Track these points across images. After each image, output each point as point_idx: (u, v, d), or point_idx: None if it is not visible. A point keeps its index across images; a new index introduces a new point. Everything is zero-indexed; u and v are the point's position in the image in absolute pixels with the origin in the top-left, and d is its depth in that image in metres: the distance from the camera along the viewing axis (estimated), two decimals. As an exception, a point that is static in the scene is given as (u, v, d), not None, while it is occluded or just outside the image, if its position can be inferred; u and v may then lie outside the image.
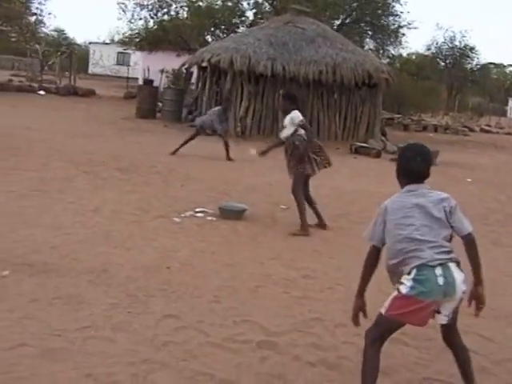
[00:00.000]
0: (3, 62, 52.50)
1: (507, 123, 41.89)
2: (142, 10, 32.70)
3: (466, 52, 46.34)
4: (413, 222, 3.61)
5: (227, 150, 14.03)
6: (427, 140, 23.91)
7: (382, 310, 3.61)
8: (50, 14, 39.42)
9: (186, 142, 14.09)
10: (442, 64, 47.48)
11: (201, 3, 32.61)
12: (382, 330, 3.68)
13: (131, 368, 3.96)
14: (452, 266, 3.56)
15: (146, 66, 35.25)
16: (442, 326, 3.85)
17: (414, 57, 44.72)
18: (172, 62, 31.24)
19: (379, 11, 31.74)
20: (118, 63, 56.03)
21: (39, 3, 34.19)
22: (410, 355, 4.58)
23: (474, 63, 47.99)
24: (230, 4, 32.68)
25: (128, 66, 47.56)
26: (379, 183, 12.70)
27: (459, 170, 16.08)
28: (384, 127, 23.13)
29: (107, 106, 26.69)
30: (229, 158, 13.92)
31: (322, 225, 8.41)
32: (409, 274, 3.52)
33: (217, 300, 5.33)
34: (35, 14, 34.74)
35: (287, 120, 8.41)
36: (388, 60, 32.67)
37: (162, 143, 15.72)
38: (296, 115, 8.28)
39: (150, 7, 32.54)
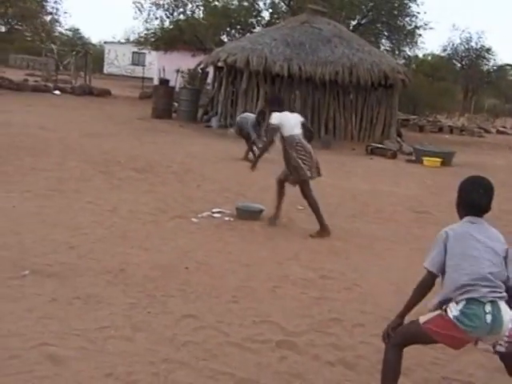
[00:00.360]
0: (18, 61, 52.83)
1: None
2: (157, 9, 32.83)
3: (482, 53, 46.03)
4: (475, 254, 3.53)
5: (248, 152, 13.83)
6: (443, 141, 23.85)
7: (421, 320, 3.57)
8: (65, 13, 39.62)
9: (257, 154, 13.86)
10: (458, 65, 47.25)
11: (217, 3, 32.69)
12: (410, 336, 3.67)
13: (151, 367, 3.98)
14: (502, 304, 3.47)
15: (161, 65, 35.34)
16: (498, 353, 3.71)
17: (429, 58, 44.51)
18: (187, 61, 31.30)
19: (395, 12, 31.63)
20: (133, 63, 56.19)
21: (55, 2, 34.43)
22: (427, 355, 4.57)
23: (491, 64, 47.70)
24: (246, 4, 32.71)
25: (143, 65, 47.70)
26: (395, 184, 12.68)
27: (475, 171, 15.82)
28: (400, 128, 23.06)
29: (122, 105, 26.78)
30: (246, 158, 13.75)
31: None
32: (457, 303, 3.46)
33: (235, 300, 5.35)
34: (51, 13, 34.98)
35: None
36: (404, 61, 32.52)
37: (177, 143, 15.76)
38: (271, 118, 8.06)
39: (165, 7, 32.64)
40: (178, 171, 11.63)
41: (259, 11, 33.37)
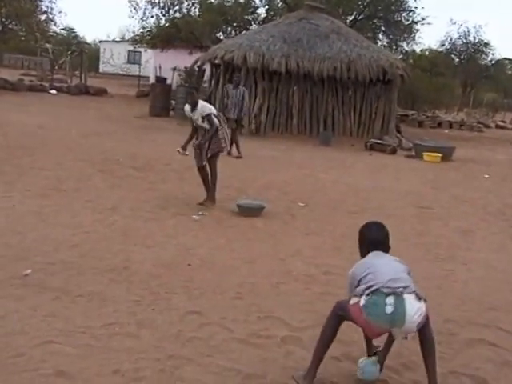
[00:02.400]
0: (13, 61, 52.70)
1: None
2: (153, 7, 32.74)
3: (480, 47, 45.97)
4: (378, 264, 3.88)
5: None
6: (443, 136, 23.87)
7: (350, 301, 3.84)
8: (60, 12, 39.54)
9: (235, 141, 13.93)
10: (456, 60, 47.20)
11: (212, 0, 32.59)
12: (343, 314, 3.88)
13: (158, 364, 3.97)
14: (408, 297, 3.67)
15: (157, 64, 35.27)
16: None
17: (427, 53, 44.44)
18: (184, 59, 31.23)
19: (393, 7, 31.58)
20: (129, 62, 56.05)
21: (49, 1, 34.33)
22: (434, 350, 4.56)
23: (489, 59, 47.64)
24: (241, 1, 32.65)
25: (139, 64, 47.61)
26: (395, 180, 12.67)
27: (475, 166, 15.99)
28: (399, 123, 23.05)
29: (119, 104, 26.74)
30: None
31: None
32: (366, 293, 3.71)
33: (239, 296, 5.34)
34: (45, 12, 34.87)
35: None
36: (401, 56, 32.47)
37: (176, 141, 15.58)
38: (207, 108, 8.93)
39: (161, 5, 32.57)
40: (178, 169, 11.60)
41: (255, 8, 33.33)
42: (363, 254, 4.14)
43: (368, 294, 3.69)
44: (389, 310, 3.61)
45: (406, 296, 3.65)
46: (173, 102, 23.85)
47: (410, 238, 7.99)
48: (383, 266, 3.86)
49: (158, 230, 7.30)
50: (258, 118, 19.64)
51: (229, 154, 13.13)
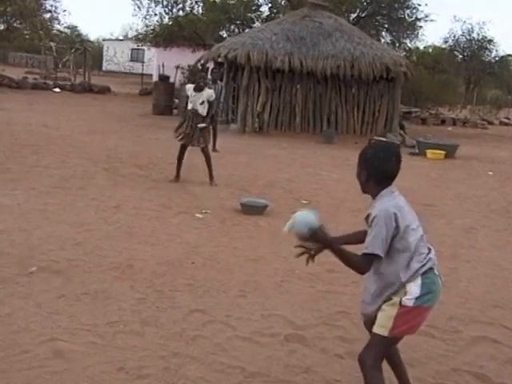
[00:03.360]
0: (17, 59, 52.80)
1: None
2: (156, 5, 32.76)
3: (484, 44, 45.81)
4: (418, 223, 3.33)
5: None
6: (446, 134, 23.86)
7: (384, 333, 3.26)
8: (64, 11, 39.57)
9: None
10: (460, 57, 47.06)
11: (216, -2, 32.61)
12: (384, 351, 3.41)
13: (162, 361, 3.99)
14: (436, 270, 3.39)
15: (160, 62, 35.29)
16: None
17: (430, 50, 44.30)
18: (187, 57, 31.26)
19: (396, 4, 31.52)
20: (132, 60, 56.17)
21: (54, 0, 34.33)
22: (438, 347, 4.59)
23: (493, 55, 47.47)
24: (245, -1, 32.65)
25: (142, 62, 47.66)
26: (399, 177, 12.60)
27: (479, 163, 15.99)
28: (402, 121, 23.03)
29: (123, 102, 26.78)
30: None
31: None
32: (414, 281, 3.23)
33: (243, 294, 5.36)
34: (50, 11, 34.87)
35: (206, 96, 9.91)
36: (404, 53, 32.39)
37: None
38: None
39: (164, 3, 32.57)
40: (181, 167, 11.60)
41: (258, 6, 33.30)
42: (371, 186, 3.43)
43: (416, 277, 3.23)
44: (440, 282, 3.33)
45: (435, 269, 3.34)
46: (176, 101, 23.88)
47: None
48: (416, 224, 3.33)
49: (162, 229, 7.33)
50: (261, 117, 19.65)
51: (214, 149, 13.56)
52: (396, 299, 3.26)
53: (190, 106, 9.94)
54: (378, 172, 3.36)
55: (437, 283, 3.30)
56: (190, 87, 9.72)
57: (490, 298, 5.79)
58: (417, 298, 3.21)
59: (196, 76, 13.93)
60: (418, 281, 3.23)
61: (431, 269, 3.29)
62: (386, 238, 3.21)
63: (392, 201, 3.32)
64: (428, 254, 3.33)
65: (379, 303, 3.35)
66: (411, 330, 3.36)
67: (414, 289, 3.22)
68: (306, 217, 3.44)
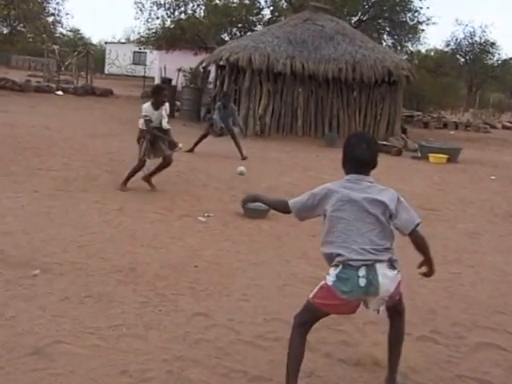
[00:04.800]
0: (20, 62, 52.89)
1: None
2: (158, 9, 32.77)
3: (486, 47, 45.85)
4: (344, 216, 3.54)
5: (239, 148, 13.96)
6: (449, 137, 23.84)
7: (310, 296, 3.63)
8: (67, 14, 39.55)
9: (199, 141, 14.16)
10: (462, 60, 47.10)
11: (218, 1, 32.63)
12: (309, 315, 3.68)
13: (165, 365, 3.99)
14: (379, 266, 3.46)
15: (162, 65, 35.32)
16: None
17: (432, 53, 44.36)
18: (189, 60, 31.30)
19: (398, 7, 31.54)
20: (134, 62, 56.22)
21: (57, 3, 34.40)
22: (441, 353, 4.57)
23: (495, 59, 47.51)
24: (246, 2, 32.68)
25: (144, 65, 47.71)
26: (401, 181, 12.66)
27: (481, 167, 15.98)
28: (404, 125, 23.03)
29: (125, 105, 26.77)
30: (243, 157, 13.81)
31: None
32: (335, 267, 3.51)
33: (245, 298, 5.36)
34: (53, 14, 34.93)
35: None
36: (406, 56, 32.42)
37: (181, 142, 15.67)
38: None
39: (166, 6, 32.62)
40: (184, 170, 11.63)
41: (260, 9, 33.35)
42: (344, 169, 3.79)
43: (337, 267, 3.48)
44: (362, 282, 3.43)
45: (377, 265, 3.45)
46: (178, 103, 23.90)
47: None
48: (354, 214, 3.53)
49: (165, 232, 7.33)
50: (262, 120, 19.66)
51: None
52: (326, 273, 3.59)
53: (153, 124, 9.65)
54: (348, 156, 3.74)
55: (353, 281, 3.43)
56: (147, 108, 9.46)
57: (494, 304, 5.78)
58: (333, 282, 3.47)
59: (223, 96, 14.21)
60: (337, 269, 3.48)
61: (352, 266, 3.44)
62: (305, 202, 3.76)
63: (340, 183, 3.71)
64: (342, 247, 3.49)
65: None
66: (330, 309, 3.61)
67: (331, 272, 3.52)
68: None
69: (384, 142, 18.64)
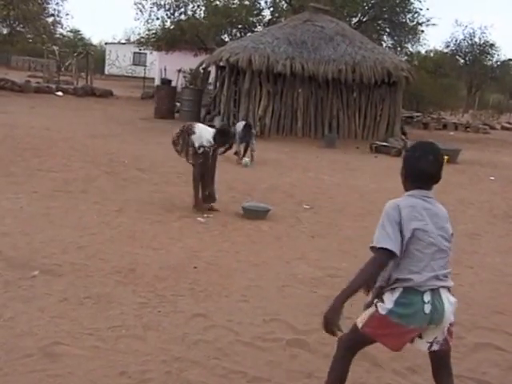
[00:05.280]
0: (20, 62, 52.88)
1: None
2: (158, 9, 32.80)
3: (485, 49, 45.86)
4: (425, 238, 3.15)
5: (245, 152, 13.85)
6: (448, 138, 23.83)
7: (359, 324, 3.28)
8: (67, 14, 39.46)
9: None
10: (462, 61, 47.11)
11: (218, 2, 32.65)
12: (356, 342, 3.39)
13: (164, 366, 4.00)
14: (443, 291, 3.18)
15: (162, 66, 35.38)
16: (431, 353, 3.38)
17: (432, 54, 44.35)
18: (189, 61, 31.34)
19: (398, 8, 31.56)
20: (134, 63, 56.20)
21: (56, 4, 34.40)
22: (440, 354, 4.57)
23: (494, 60, 47.51)
24: (246, 3, 32.69)
25: (144, 66, 47.71)
26: (400, 182, 12.64)
27: (481, 168, 15.98)
28: (404, 126, 23.03)
29: (125, 106, 26.81)
30: (240, 158, 13.63)
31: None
32: (392, 292, 3.15)
33: (245, 299, 5.36)
34: (52, 15, 34.92)
35: None
36: (406, 57, 32.43)
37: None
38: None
39: (167, 7, 32.63)
40: (183, 171, 11.56)
41: (260, 10, 33.37)
42: (407, 184, 3.36)
43: (396, 291, 3.12)
44: (427, 309, 3.10)
45: (441, 291, 3.15)
46: (178, 104, 23.90)
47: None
48: (430, 238, 3.16)
49: (164, 233, 7.33)
50: (262, 121, 19.65)
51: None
52: (377, 300, 3.23)
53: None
54: (412, 171, 3.31)
55: (416, 307, 3.11)
56: (210, 138, 8.75)
57: (493, 304, 5.79)
58: (390, 310, 3.13)
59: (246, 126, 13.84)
60: (396, 294, 3.14)
61: (416, 290, 3.11)
62: (393, 231, 3.11)
63: (407, 199, 3.26)
64: (420, 273, 3.12)
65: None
66: (385, 340, 3.24)
67: (387, 299, 3.16)
68: None
69: (384, 143, 18.66)
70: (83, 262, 5.94)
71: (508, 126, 34.89)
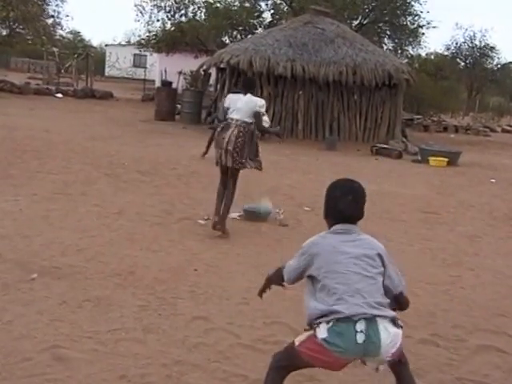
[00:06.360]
0: (19, 64, 52.92)
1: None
2: (159, 11, 32.88)
3: (486, 51, 45.96)
4: (342, 270, 3.13)
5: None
6: (449, 141, 23.83)
7: (296, 342, 3.21)
8: (67, 16, 39.47)
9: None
10: (462, 64, 47.18)
11: (218, 4, 32.66)
12: (290, 361, 3.30)
13: (164, 369, 3.96)
14: (381, 321, 3.03)
15: (163, 67, 35.34)
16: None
17: (432, 57, 44.40)
18: (189, 63, 31.30)
19: (398, 11, 31.59)
20: (135, 65, 56.21)
21: (56, 5, 34.45)
22: (441, 356, 4.55)
23: (495, 63, 47.61)
24: (247, 5, 32.71)
25: (145, 68, 47.71)
26: (402, 184, 12.65)
27: (481, 170, 15.96)
28: (404, 128, 23.01)
29: (125, 108, 26.79)
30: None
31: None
32: (327, 322, 3.04)
33: (245, 302, 5.32)
34: (52, 16, 34.98)
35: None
36: (407, 60, 32.50)
37: (181, 145, 15.75)
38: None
39: (167, 9, 32.68)
40: (184, 173, 11.62)
41: (261, 12, 33.39)
42: (328, 221, 3.41)
43: (330, 321, 3.03)
44: (360, 338, 2.98)
45: (379, 320, 3.02)
46: (178, 106, 23.90)
47: (416, 243, 7.97)
48: (352, 277, 3.11)
49: (164, 235, 7.30)
50: (263, 123, 19.59)
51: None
52: (315, 323, 3.14)
53: None
54: (331, 210, 3.39)
55: (349, 337, 2.99)
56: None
57: (494, 306, 5.76)
58: (323, 339, 3.04)
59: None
60: (330, 323, 3.04)
61: (349, 319, 3.01)
62: (296, 268, 3.44)
63: (328, 236, 3.34)
64: (340, 299, 3.08)
65: None
66: (316, 362, 3.17)
67: (323, 327, 3.06)
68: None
69: (384, 146, 18.65)
70: (82, 265, 5.91)
71: (508, 128, 34.89)
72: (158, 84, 34.01)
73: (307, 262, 3.31)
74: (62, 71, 38.35)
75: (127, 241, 6.91)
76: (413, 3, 31.52)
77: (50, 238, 6.71)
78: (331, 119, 20.26)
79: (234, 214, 8.12)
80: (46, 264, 5.81)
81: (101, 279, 5.57)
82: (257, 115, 7.51)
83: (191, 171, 11.88)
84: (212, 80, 25.48)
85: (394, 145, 19.02)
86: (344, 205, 3.31)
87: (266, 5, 33.12)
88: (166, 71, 33.38)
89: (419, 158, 17.15)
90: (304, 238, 7.74)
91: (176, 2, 32.56)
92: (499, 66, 48.29)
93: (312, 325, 3.16)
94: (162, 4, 32.54)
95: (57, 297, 5.03)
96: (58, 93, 28.78)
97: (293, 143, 18.74)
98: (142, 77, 42.57)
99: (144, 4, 32.73)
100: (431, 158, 16.38)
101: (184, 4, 32.72)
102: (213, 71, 24.13)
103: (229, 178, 7.73)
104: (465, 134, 29.35)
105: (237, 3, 32.91)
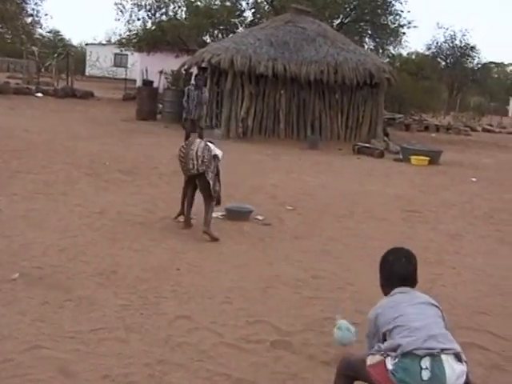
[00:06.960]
0: (-2, 63, 52.42)
1: (509, 122, 41.86)
2: (139, 10, 32.66)
3: (466, 51, 46.31)
4: (406, 319, 3.21)
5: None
6: (430, 140, 23.97)
7: (368, 361, 3.26)
8: (46, 14, 39.16)
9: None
10: (443, 63, 47.49)
11: (199, 3, 32.56)
12: (358, 375, 3.36)
13: (147, 369, 3.95)
14: (445, 358, 3.05)
15: (143, 67, 35.17)
16: None
17: (413, 56, 44.64)
18: (170, 62, 31.18)
19: (379, 10, 31.71)
20: (116, 65, 55.84)
21: (35, 4, 34.16)
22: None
23: (475, 62, 47.98)
24: (228, 4, 32.65)
25: (125, 67, 47.46)
26: (384, 183, 12.70)
27: (462, 169, 16.06)
28: (386, 127, 23.10)
29: (106, 107, 26.65)
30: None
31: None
32: (395, 357, 3.11)
33: (228, 301, 5.32)
34: (31, 15, 34.69)
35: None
36: (388, 59, 32.63)
37: (163, 145, 15.69)
38: None
39: (148, 7, 32.51)
40: (165, 172, 11.58)
41: (242, 11, 33.33)
42: (385, 289, 3.56)
43: (396, 357, 3.08)
44: (425, 375, 2.99)
45: (444, 357, 3.03)
46: (160, 106, 23.83)
47: (398, 241, 7.98)
48: (416, 317, 3.20)
49: (146, 234, 7.27)
50: (244, 122, 19.61)
51: None
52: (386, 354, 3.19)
53: None
54: (387, 274, 3.56)
55: (414, 373, 3.03)
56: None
57: (476, 304, 5.80)
58: (390, 371, 3.10)
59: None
60: (397, 358, 3.10)
61: (414, 355, 3.06)
62: (370, 335, 3.45)
63: (387, 299, 3.45)
64: (417, 340, 3.11)
65: None
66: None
67: (390, 360, 3.13)
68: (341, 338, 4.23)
69: (366, 145, 18.71)
70: (64, 265, 5.87)
71: (489, 127, 35.17)
72: (139, 83, 33.84)
73: (374, 324, 3.39)
74: (42, 70, 38.07)
75: (109, 240, 6.87)
76: (393, 2, 31.70)
77: (31, 237, 6.65)
78: (313, 118, 20.29)
79: (216, 214, 8.10)
80: (26, 264, 5.77)
81: (82, 279, 5.53)
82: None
83: (173, 170, 11.80)
84: (193, 79, 25.40)
85: (375, 144, 19.10)
86: (399, 266, 3.50)
87: (247, 4, 33.08)
88: (147, 70, 33.22)
89: (401, 156, 17.23)
90: (287, 237, 7.79)
91: (156, 1, 32.40)
92: (479, 65, 48.68)
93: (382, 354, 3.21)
94: (143, 3, 32.36)
95: (38, 297, 4.99)
96: (38, 92, 28.54)
97: (275, 142, 18.75)
98: (123, 76, 42.35)
99: (124, 3, 32.54)
100: (413, 157, 16.47)
101: (164, 3, 32.56)
102: (194, 70, 24.05)
103: (200, 191, 7.77)
104: (446, 133, 29.52)
105: (218, 2, 32.82)
